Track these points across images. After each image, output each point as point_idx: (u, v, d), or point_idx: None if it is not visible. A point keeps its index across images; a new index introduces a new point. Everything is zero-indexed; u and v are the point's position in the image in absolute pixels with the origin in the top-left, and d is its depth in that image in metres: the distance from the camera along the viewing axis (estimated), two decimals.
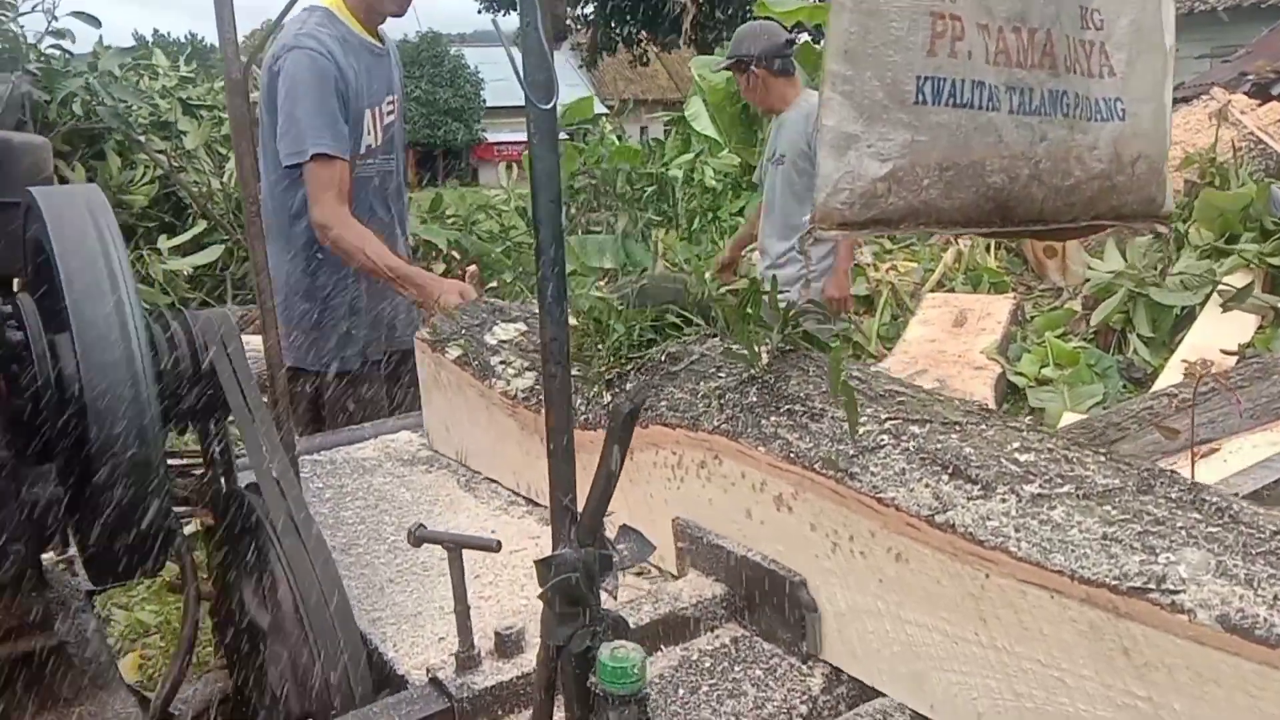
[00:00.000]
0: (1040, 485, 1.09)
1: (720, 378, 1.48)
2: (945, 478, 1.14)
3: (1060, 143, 1.28)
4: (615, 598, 1.03)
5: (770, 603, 1.33)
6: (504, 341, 1.95)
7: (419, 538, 1.28)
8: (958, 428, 1.23)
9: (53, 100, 6.19)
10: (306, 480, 2.08)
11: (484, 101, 29.57)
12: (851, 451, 1.23)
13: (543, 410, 1.76)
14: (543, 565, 0.98)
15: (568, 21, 21.55)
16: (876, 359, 6.50)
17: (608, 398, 1.60)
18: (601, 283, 8.81)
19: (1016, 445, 1.17)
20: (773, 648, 1.35)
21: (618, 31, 19.45)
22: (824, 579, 1.27)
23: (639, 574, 1.62)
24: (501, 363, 1.89)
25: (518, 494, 1.94)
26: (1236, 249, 5.49)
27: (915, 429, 1.23)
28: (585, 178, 9.70)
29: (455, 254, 8.34)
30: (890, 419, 1.26)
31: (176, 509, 1.67)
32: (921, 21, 1.17)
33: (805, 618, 1.28)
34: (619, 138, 14.25)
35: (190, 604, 1.71)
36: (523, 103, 0.97)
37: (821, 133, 1.17)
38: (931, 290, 6.55)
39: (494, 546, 1.26)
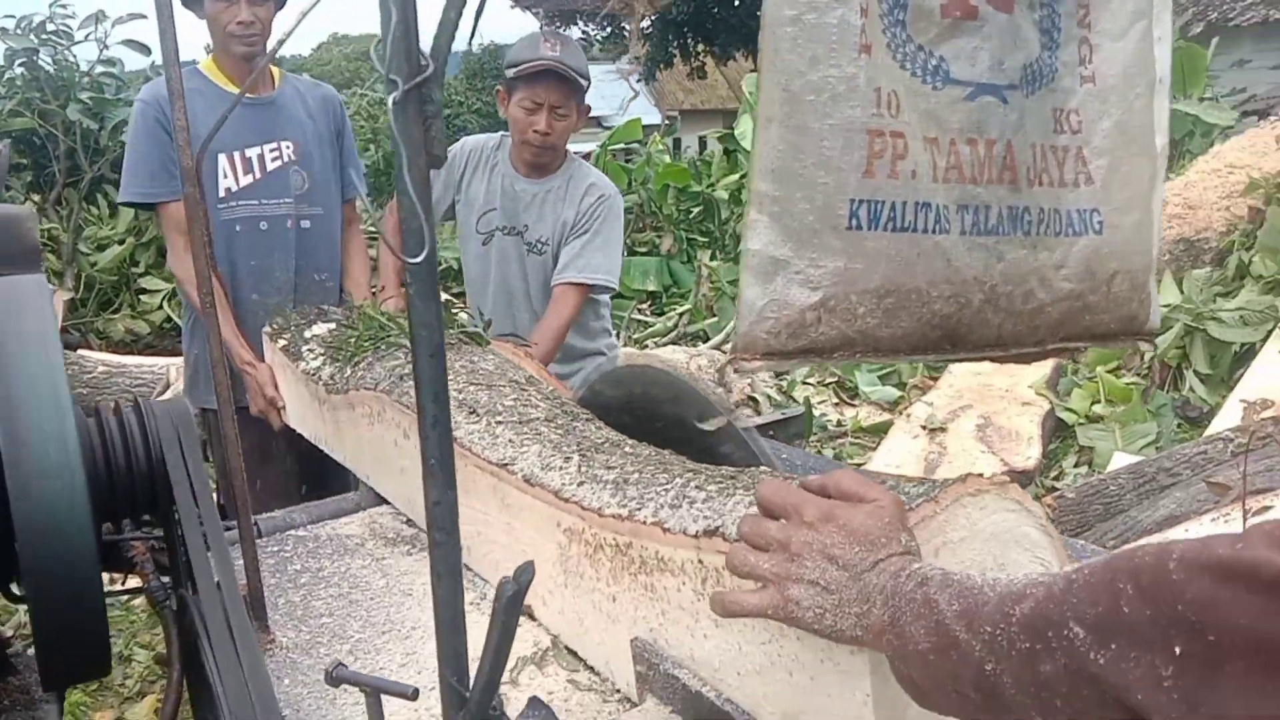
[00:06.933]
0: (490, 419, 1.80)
1: (399, 358, 2.16)
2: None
3: (1020, 263, 1.16)
4: None
5: None
6: (315, 336, 2.56)
7: (337, 678, 1.22)
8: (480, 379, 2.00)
9: (103, 128, 6.34)
10: (287, 561, 2.04)
11: None
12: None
13: (323, 382, 2.34)
14: None
15: (627, 32, 21.53)
16: (921, 391, 6.32)
17: (349, 371, 2.26)
18: (644, 305, 8.73)
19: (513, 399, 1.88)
20: None
21: (675, 44, 19.34)
22: (401, 467, 2.01)
23: (599, 692, 1.56)
24: (308, 350, 2.52)
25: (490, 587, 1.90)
26: None
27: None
28: (632, 197, 9.64)
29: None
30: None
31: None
32: (857, 140, 1.06)
33: None
34: (675, 148, 14.06)
35: (171, 689, 1.67)
36: None
37: (745, 256, 1.08)
38: None
39: (409, 694, 1.19)
